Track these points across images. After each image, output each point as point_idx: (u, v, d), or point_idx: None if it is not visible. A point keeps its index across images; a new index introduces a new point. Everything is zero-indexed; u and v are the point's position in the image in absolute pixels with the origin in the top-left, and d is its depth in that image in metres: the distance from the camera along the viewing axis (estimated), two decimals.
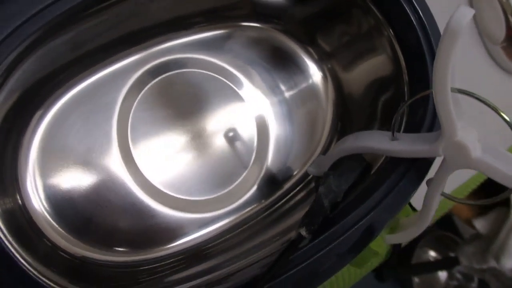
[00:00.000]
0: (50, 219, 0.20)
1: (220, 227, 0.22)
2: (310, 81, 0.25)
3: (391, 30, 0.21)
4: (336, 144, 0.21)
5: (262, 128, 0.24)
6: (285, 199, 0.23)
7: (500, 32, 0.32)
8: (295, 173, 0.24)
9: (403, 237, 0.21)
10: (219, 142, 0.23)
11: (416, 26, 0.21)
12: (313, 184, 0.23)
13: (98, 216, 0.20)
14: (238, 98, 0.24)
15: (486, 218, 0.43)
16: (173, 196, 0.22)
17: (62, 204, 0.20)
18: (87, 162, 0.21)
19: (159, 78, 0.22)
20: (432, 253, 0.60)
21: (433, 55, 0.20)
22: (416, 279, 0.60)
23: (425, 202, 0.19)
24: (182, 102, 0.23)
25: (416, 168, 0.19)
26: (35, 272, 0.16)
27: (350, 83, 0.24)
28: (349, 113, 0.24)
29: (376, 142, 0.19)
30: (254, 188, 0.23)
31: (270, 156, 0.23)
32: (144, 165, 0.22)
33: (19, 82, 0.17)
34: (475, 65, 0.33)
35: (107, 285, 0.20)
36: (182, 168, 0.23)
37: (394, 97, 0.22)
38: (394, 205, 0.18)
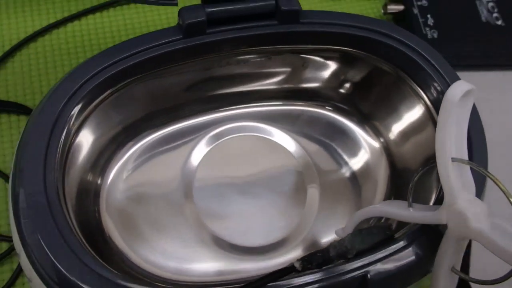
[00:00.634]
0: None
1: None
2: (366, 157, 0.27)
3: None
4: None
5: (312, 200, 0.26)
6: None
7: None
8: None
9: None
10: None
11: None
12: None
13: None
14: (294, 165, 0.27)
15: None
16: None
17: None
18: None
19: (225, 139, 0.27)
20: None
21: None
22: None
23: (432, 279, 0.19)
24: (241, 164, 0.27)
25: (427, 237, 0.19)
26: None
27: (404, 158, 0.26)
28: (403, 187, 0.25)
29: (392, 208, 0.21)
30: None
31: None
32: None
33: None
34: None
35: None
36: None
37: None
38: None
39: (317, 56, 0.25)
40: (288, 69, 0.26)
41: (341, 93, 0.27)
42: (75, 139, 0.22)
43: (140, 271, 0.22)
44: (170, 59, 0.22)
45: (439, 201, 0.20)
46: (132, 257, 0.23)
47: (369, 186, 0.26)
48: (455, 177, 0.18)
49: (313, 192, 0.26)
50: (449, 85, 0.21)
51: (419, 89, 0.24)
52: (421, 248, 0.19)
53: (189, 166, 0.26)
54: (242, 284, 0.18)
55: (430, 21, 0.38)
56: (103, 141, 0.24)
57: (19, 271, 0.27)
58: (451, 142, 0.18)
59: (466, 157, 0.19)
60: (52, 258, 0.18)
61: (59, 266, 0.18)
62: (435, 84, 0.23)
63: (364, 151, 0.27)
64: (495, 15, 0.39)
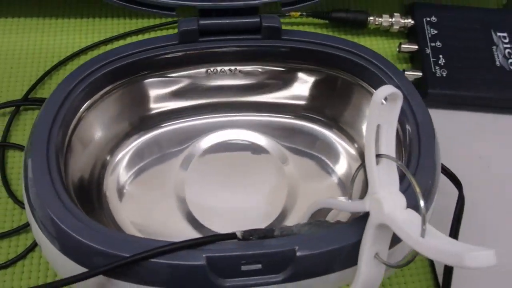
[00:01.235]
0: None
1: None
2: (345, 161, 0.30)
3: None
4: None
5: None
6: None
7: None
8: None
9: None
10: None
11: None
12: None
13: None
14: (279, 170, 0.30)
15: None
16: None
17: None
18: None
19: (221, 141, 0.31)
20: None
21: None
22: None
23: (357, 266, 0.21)
24: (234, 166, 0.30)
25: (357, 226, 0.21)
26: None
27: None
28: None
29: (335, 200, 0.23)
30: None
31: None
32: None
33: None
34: None
35: None
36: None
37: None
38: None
39: (296, 71, 0.29)
40: (270, 82, 0.30)
41: (317, 105, 0.30)
42: (80, 123, 0.26)
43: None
44: (167, 62, 0.27)
45: None
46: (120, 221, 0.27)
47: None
48: (378, 170, 0.20)
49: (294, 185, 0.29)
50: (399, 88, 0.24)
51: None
52: (349, 235, 0.21)
53: (183, 164, 0.30)
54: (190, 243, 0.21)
55: (441, 61, 0.40)
56: (107, 131, 0.29)
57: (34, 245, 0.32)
58: (378, 140, 0.20)
59: (393, 154, 0.21)
60: (51, 214, 0.21)
61: (55, 219, 0.21)
62: None
63: (343, 156, 0.30)
64: (510, 60, 0.40)
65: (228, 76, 0.29)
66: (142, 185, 0.30)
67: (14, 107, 0.38)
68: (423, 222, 0.18)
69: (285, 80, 0.30)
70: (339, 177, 0.30)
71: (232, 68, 0.28)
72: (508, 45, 0.41)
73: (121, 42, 0.42)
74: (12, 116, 0.37)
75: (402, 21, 0.43)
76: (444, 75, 0.39)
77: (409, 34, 0.43)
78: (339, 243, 0.21)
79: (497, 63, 0.40)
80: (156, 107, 0.30)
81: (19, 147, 0.36)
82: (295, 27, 0.43)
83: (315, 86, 0.30)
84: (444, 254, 0.17)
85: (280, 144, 0.31)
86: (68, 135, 0.25)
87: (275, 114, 0.31)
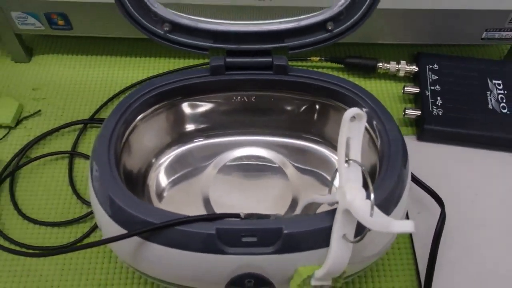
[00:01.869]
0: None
1: None
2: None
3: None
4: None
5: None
6: None
7: None
8: None
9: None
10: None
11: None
12: None
13: None
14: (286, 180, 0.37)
15: None
16: None
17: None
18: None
19: (240, 156, 0.38)
20: None
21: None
22: None
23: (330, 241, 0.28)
24: (249, 176, 0.38)
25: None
26: None
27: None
28: None
29: (319, 196, 0.30)
30: None
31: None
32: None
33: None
34: None
35: None
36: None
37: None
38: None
39: (299, 100, 0.37)
40: (279, 108, 0.38)
41: (314, 128, 0.38)
42: (131, 137, 0.35)
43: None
44: (200, 90, 0.35)
45: None
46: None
47: None
48: (346, 171, 0.27)
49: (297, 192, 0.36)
50: (376, 114, 0.31)
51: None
52: (324, 220, 0.28)
53: (209, 172, 0.38)
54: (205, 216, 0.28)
55: (439, 102, 0.46)
56: (154, 141, 0.37)
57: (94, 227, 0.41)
58: (348, 149, 0.27)
59: (359, 160, 0.27)
60: (109, 193, 0.29)
61: (116, 200, 0.29)
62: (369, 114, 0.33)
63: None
64: (502, 104, 0.46)
65: (246, 102, 0.37)
66: (176, 184, 0.37)
67: (82, 125, 0.47)
68: (372, 207, 0.25)
69: (291, 107, 0.38)
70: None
71: (250, 95, 0.36)
72: (502, 91, 0.47)
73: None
74: (80, 131, 0.47)
75: (408, 67, 0.50)
76: (440, 114, 0.46)
77: (414, 78, 0.50)
78: (317, 225, 0.28)
79: (490, 106, 0.46)
80: (191, 125, 0.39)
81: (84, 156, 0.45)
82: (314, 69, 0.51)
83: (313, 112, 0.37)
84: (381, 225, 0.23)
85: (289, 160, 0.38)
86: (123, 141, 0.34)
87: (282, 135, 0.39)
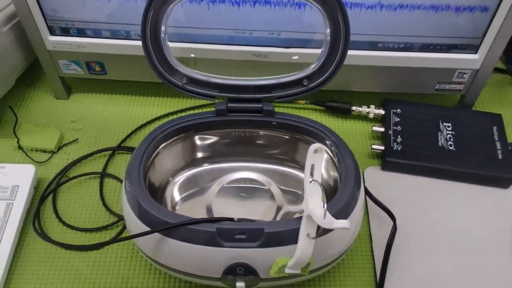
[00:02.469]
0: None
1: None
2: None
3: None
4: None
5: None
6: None
7: None
8: None
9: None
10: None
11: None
12: None
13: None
14: (272, 197, 0.48)
15: None
16: None
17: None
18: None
19: (238, 178, 0.49)
20: None
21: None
22: None
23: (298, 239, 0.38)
24: (244, 193, 0.49)
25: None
26: None
27: (328, 184, 0.45)
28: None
29: (293, 206, 0.40)
30: None
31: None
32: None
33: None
34: None
35: None
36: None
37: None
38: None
39: (283, 135, 0.48)
40: (268, 142, 0.49)
41: (294, 157, 0.49)
42: (156, 160, 0.46)
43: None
44: (208, 126, 0.47)
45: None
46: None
47: None
48: (310, 188, 0.38)
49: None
50: (337, 147, 0.43)
51: (328, 151, 0.45)
52: (294, 223, 0.38)
53: (213, 189, 0.49)
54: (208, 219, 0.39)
55: (399, 139, 0.58)
56: (172, 164, 0.48)
57: (121, 230, 0.51)
58: (314, 172, 0.38)
59: (320, 180, 0.38)
60: (137, 198, 0.40)
61: (143, 205, 0.40)
62: (332, 147, 0.44)
63: None
64: (449, 143, 0.57)
65: (242, 137, 0.48)
66: (186, 200, 0.49)
67: (111, 151, 0.59)
68: (325, 213, 0.35)
69: (276, 141, 0.49)
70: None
71: (245, 131, 0.48)
72: (450, 132, 0.58)
73: (180, 114, 0.63)
74: (110, 156, 0.58)
75: (376, 111, 0.61)
76: (399, 149, 0.57)
77: (381, 120, 0.62)
78: (289, 226, 0.38)
79: (440, 143, 0.57)
80: (200, 153, 0.50)
81: (112, 176, 0.56)
82: (300, 111, 0.63)
83: (293, 146, 0.49)
84: (329, 224, 0.34)
85: (273, 181, 0.50)
86: (150, 162, 0.45)
87: (269, 162, 0.50)
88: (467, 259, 0.49)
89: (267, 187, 0.50)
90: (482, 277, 0.48)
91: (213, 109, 0.47)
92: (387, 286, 0.47)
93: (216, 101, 0.47)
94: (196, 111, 0.62)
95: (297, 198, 0.49)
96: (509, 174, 0.55)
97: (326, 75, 0.45)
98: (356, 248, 0.51)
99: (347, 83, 0.61)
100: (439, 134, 0.58)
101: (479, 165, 0.55)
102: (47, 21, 0.55)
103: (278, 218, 0.43)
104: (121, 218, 0.52)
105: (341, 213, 0.40)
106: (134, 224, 0.41)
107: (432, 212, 0.53)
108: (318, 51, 0.45)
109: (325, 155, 0.45)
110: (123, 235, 0.51)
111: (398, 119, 0.60)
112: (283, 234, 0.38)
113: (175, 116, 0.63)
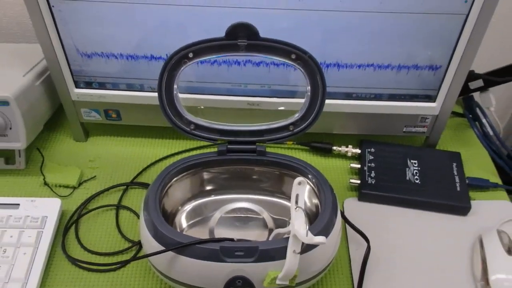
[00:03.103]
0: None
1: None
2: None
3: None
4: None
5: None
6: None
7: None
8: None
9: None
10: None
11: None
12: None
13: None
14: (264, 222, 0.57)
15: None
16: None
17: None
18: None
19: (235, 208, 0.59)
20: None
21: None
22: None
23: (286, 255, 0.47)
24: (240, 220, 0.58)
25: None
26: None
27: (311, 212, 0.54)
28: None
29: (282, 229, 0.50)
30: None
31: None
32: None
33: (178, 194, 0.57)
34: None
35: None
36: None
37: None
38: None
39: (273, 172, 0.58)
40: (261, 177, 0.59)
41: (282, 189, 0.58)
42: (168, 192, 0.55)
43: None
44: (211, 164, 0.57)
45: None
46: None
47: None
48: (295, 213, 0.47)
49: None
50: (317, 179, 0.52)
51: (310, 184, 0.54)
52: (283, 242, 0.47)
53: (214, 216, 0.58)
54: (213, 239, 0.48)
55: (373, 174, 0.67)
56: (181, 195, 0.58)
57: (135, 254, 0.60)
58: (298, 200, 0.48)
59: (303, 207, 0.48)
60: (154, 222, 0.49)
61: (159, 228, 0.49)
62: (313, 180, 0.53)
63: None
64: (416, 177, 0.67)
65: (240, 172, 0.58)
66: (193, 226, 0.58)
67: (125, 186, 0.68)
68: (307, 232, 0.45)
69: (268, 176, 0.59)
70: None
71: (242, 168, 0.58)
72: (416, 168, 0.68)
73: (186, 154, 0.73)
74: (124, 191, 0.67)
75: (353, 150, 0.71)
76: (373, 183, 0.66)
77: (357, 158, 0.72)
78: (279, 245, 0.47)
79: (407, 178, 0.67)
80: (205, 187, 0.59)
81: (127, 208, 0.65)
82: (289, 150, 0.73)
83: (281, 180, 0.58)
84: (309, 240, 0.43)
85: (265, 210, 0.59)
86: (164, 193, 0.54)
87: (262, 194, 0.60)
88: (431, 277, 0.58)
89: (260, 215, 0.59)
90: None
91: (214, 149, 0.57)
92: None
93: (218, 143, 0.57)
94: (199, 151, 0.72)
95: (285, 223, 0.58)
96: (466, 204, 0.64)
97: (308, 121, 0.55)
98: (337, 268, 0.59)
99: (328, 126, 0.71)
100: (407, 170, 0.68)
101: (441, 196, 0.65)
102: (73, 76, 0.66)
103: (270, 239, 0.52)
104: (134, 243, 0.61)
105: (321, 233, 0.48)
106: (151, 245, 0.49)
107: (402, 236, 0.62)
108: (302, 100, 0.55)
109: (308, 187, 0.54)
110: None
111: (372, 157, 0.70)
112: (274, 251, 0.47)
113: (181, 156, 0.72)
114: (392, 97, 0.66)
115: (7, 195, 0.66)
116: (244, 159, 0.57)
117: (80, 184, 0.68)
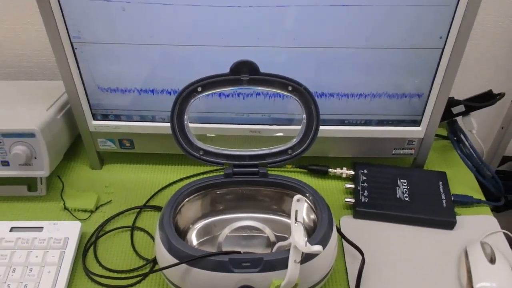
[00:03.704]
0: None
1: None
2: None
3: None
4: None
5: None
6: None
7: None
8: None
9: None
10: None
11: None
12: None
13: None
14: (267, 241, 0.63)
15: None
16: None
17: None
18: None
19: (241, 226, 0.64)
20: None
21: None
22: None
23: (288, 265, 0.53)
24: (244, 238, 0.64)
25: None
26: None
27: (309, 226, 0.60)
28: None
29: (283, 242, 0.55)
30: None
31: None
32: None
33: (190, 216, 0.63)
34: None
35: None
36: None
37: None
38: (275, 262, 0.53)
39: (275, 192, 0.64)
40: (264, 197, 0.65)
41: (283, 207, 0.64)
42: (181, 210, 0.61)
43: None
44: (219, 186, 0.63)
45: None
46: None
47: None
48: (295, 227, 0.53)
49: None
50: (314, 197, 0.58)
51: (308, 201, 0.60)
52: (285, 253, 0.53)
53: (222, 233, 0.64)
54: (222, 252, 0.54)
55: (366, 193, 0.73)
56: (192, 214, 0.64)
57: (150, 270, 0.65)
58: (297, 215, 0.54)
59: (302, 221, 0.53)
60: (169, 237, 0.55)
61: (173, 243, 0.54)
62: (310, 197, 0.59)
63: None
64: (405, 195, 0.73)
65: (245, 193, 0.64)
66: (203, 244, 0.63)
67: (138, 209, 0.74)
68: (305, 243, 0.51)
69: (270, 196, 0.65)
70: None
71: (247, 189, 0.64)
72: (406, 187, 0.74)
73: (194, 178, 0.79)
74: (137, 214, 0.73)
75: (348, 172, 0.77)
76: (367, 201, 0.72)
77: (352, 179, 0.78)
78: (281, 256, 0.53)
79: (398, 196, 0.73)
80: (213, 207, 0.65)
81: (141, 229, 0.71)
82: (288, 173, 0.79)
83: (282, 199, 0.64)
84: (308, 249, 0.49)
85: (268, 227, 0.65)
86: (177, 212, 0.60)
87: (265, 213, 0.65)
88: (421, 286, 0.63)
89: (264, 233, 0.65)
90: None
91: (221, 173, 0.63)
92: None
93: (225, 167, 0.63)
94: (206, 175, 0.78)
95: (286, 239, 0.64)
96: (452, 218, 0.70)
97: (304, 146, 0.61)
98: (335, 279, 0.65)
99: (323, 150, 0.78)
100: (397, 189, 0.74)
101: (429, 212, 0.71)
102: (91, 109, 0.72)
103: (272, 251, 0.58)
104: (149, 261, 0.66)
105: (321, 243, 0.54)
106: (166, 259, 0.55)
107: (394, 249, 0.68)
108: (299, 127, 0.62)
109: (306, 204, 0.60)
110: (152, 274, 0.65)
111: (365, 178, 0.76)
112: (277, 262, 0.53)
113: (189, 180, 0.78)
114: (381, 123, 0.73)
115: (30, 219, 0.71)
116: (248, 181, 0.63)
117: (97, 208, 0.74)
